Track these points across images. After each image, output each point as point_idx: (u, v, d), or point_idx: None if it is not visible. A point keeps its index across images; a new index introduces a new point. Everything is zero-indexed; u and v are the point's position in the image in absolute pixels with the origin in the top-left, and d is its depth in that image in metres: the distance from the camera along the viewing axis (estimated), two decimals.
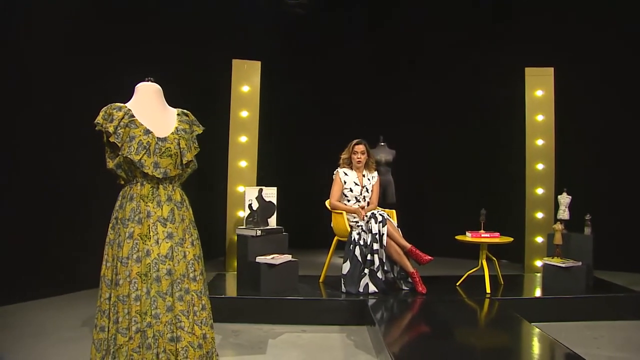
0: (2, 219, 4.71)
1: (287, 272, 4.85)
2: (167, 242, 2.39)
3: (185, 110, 2.63)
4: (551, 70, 6.43)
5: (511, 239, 5.10)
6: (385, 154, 6.97)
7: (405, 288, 4.90)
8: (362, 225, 4.87)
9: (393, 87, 7.91)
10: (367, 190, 5.15)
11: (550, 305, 4.68)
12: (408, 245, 4.79)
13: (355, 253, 4.78)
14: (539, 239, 6.31)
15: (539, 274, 5.64)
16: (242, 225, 5.28)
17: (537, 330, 3.70)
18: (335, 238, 5.25)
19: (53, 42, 5.09)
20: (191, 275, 2.45)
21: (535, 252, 6.30)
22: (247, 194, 5.29)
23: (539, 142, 6.45)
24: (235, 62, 6.52)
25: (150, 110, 2.49)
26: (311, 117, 8.21)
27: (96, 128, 2.39)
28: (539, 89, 6.47)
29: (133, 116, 2.40)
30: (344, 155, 5.21)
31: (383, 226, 4.72)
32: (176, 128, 2.51)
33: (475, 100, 7.53)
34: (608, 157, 6.82)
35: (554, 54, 6.70)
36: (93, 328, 2.41)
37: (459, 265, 5.83)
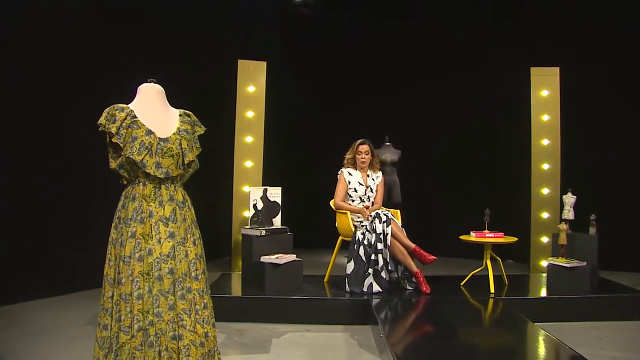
0: (4, 218, 4.74)
1: (291, 271, 4.87)
2: (169, 242, 2.41)
3: (187, 111, 2.65)
4: (557, 70, 6.44)
5: (515, 239, 5.09)
6: (390, 154, 6.98)
7: (409, 288, 4.91)
8: (366, 225, 4.89)
9: (398, 87, 7.91)
10: (371, 190, 5.17)
11: (554, 306, 4.68)
12: (412, 245, 4.80)
13: (360, 253, 4.79)
14: (545, 239, 6.32)
15: (544, 274, 5.63)
16: (248, 225, 5.30)
17: (540, 330, 3.70)
18: (340, 238, 5.26)
19: (54, 42, 5.12)
20: (193, 274, 2.47)
21: (541, 252, 6.30)
22: (251, 194, 5.32)
23: (545, 141, 6.45)
24: (241, 63, 6.56)
25: (153, 111, 2.51)
26: (315, 117, 8.24)
27: (99, 129, 2.42)
28: (545, 89, 6.47)
29: (135, 117, 2.43)
30: (348, 155, 5.22)
31: (387, 226, 4.73)
32: (178, 128, 2.53)
33: (479, 100, 7.53)
34: (613, 157, 6.79)
35: (558, 54, 6.69)
36: (96, 326, 2.43)
37: (464, 265, 5.84)
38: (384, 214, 4.81)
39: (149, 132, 2.42)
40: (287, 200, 5.54)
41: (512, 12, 7.35)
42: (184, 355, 2.37)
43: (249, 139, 6.52)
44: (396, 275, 4.88)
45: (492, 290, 4.80)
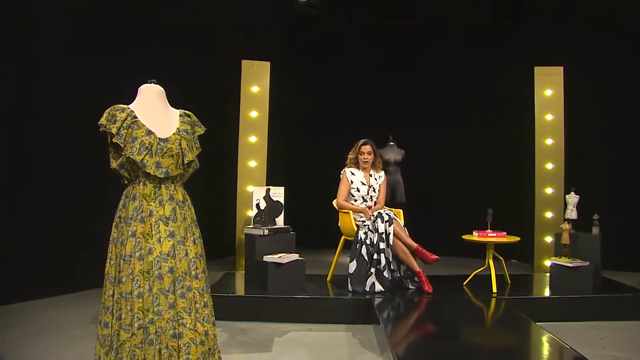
0: (5, 218, 4.77)
1: (294, 271, 4.89)
2: (169, 241, 2.43)
3: (187, 111, 2.67)
4: (560, 69, 6.43)
5: (518, 239, 5.09)
6: (394, 154, 6.99)
7: (412, 287, 4.92)
8: (368, 225, 4.90)
9: (401, 86, 7.92)
10: (374, 190, 5.18)
11: (556, 305, 4.68)
12: (414, 245, 4.81)
13: (362, 252, 4.81)
14: (548, 239, 6.30)
15: (548, 274, 5.63)
16: (251, 225, 5.33)
17: (541, 330, 3.70)
18: (343, 237, 5.28)
19: (55, 42, 5.14)
20: (193, 273, 2.49)
21: (545, 251, 6.29)
22: (254, 193, 5.34)
23: (549, 141, 6.44)
24: (245, 63, 6.59)
25: (153, 112, 2.53)
26: (318, 117, 8.26)
27: (100, 129, 2.44)
28: (549, 88, 6.47)
29: (136, 117, 2.45)
30: (350, 155, 5.24)
31: (389, 225, 4.75)
32: (178, 129, 2.55)
33: (482, 100, 7.53)
34: (617, 157, 6.78)
35: (560, 53, 6.68)
36: (97, 324, 2.46)
37: (467, 265, 5.84)
38: (387, 214, 4.82)
39: (149, 133, 2.44)
40: (290, 199, 5.56)
41: (513, 12, 7.35)
42: (184, 354, 2.40)
43: (252, 139, 6.55)
44: (398, 275, 4.89)
45: (494, 289, 4.81)
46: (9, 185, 4.79)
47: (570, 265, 4.83)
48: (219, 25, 7.12)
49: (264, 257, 4.82)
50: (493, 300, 4.66)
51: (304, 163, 8.07)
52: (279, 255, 4.87)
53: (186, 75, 6.51)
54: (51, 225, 5.07)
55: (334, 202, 5.28)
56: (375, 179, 5.22)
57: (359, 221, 5.05)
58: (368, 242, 4.81)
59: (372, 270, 4.75)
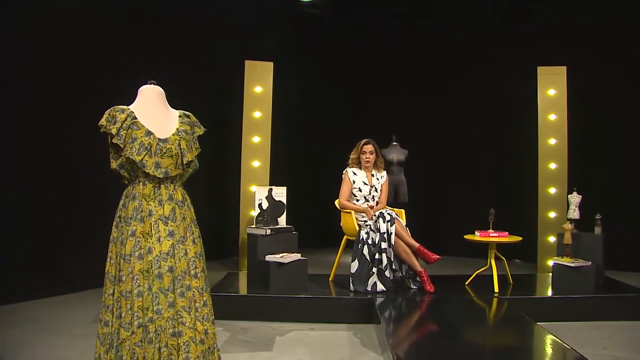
0: (9, 217, 4.80)
1: (296, 270, 4.90)
2: (168, 240, 2.46)
3: (186, 112, 2.70)
4: (564, 69, 6.42)
5: (520, 239, 5.09)
6: (397, 154, 6.99)
7: (414, 287, 4.93)
8: (370, 225, 4.92)
9: (404, 86, 7.94)
10: (375, 190, 5.19)
11: (558, 305, 4.68)
12: (416, 245, 4.82)
13: (364, 252, 4.82)
14: (552, 239, 6.30)
15: (551, 274, 5.64)
16: (253, 225, 5.35)
17: (542, 330, 3.70)
18: (345, 237, 5.29)
19: (56, 42, 5.17)
20: (192, 272, 2.52)
21: (548, 251, 6.29)
22: (257, 193, 5.37)
23: (552, 141, 6.44)
24: (248, 63, 6.62)
25: (153, 112, 2.56)
26: (321, 117, 8.25)
27: (100, 130, 2.48)
28: (552, 88, 6.46)
29: (135, 118, 2.48)
30: (352, 155, 5.25)
31: (391, 225, 4.76)
32: (177, 129, 2.58)
33: (485, 100, 7.54)
34: (620, 156, 6.78)
35: (564, 52, 6.66)
36: (98, 323, 2.49)
37: (469, 265, 5.85)
38: (388, 214, 4.84)
39: (149, 133, 2.47)
40: (292, 199, 5.58)
41: (516, 12, 7.34)
42: (184, 352, 2.42)
43: (256, 139, 6.58)
44: (400, 275, 4.90)
45: (496, 289, 4.82)
46: (9, 185, 4.81)
47: (573, 265, 4.83)
48: (222, 25, 7.15)
49: (266, 256, 4.85)
50: (495, 300, 4.67)
51: (306, 163, 8.07)
52: (281, 254, 4.89)
53: (190, 76, 6.55)
54: (51, 225, 5.09)
55: (336, 202, 5.30)
56: (377, 178, 5.24)
57: (361, 221, 5.07)
58: (370, 241, 4.82)
59: (374, 270, 4.77)
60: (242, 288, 5.15)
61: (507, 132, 7.42)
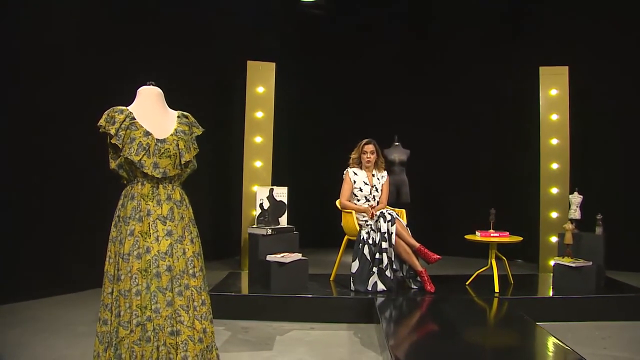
0: (13, 217, 4.82)
1: (297, 270, 4.91)
2: (166, 240, 2.48)
3: (185, 113, 2.72)
4: (566, 69, 6.42)
5: (520, 239, 5.09)
6: (399, 154, 7.00)
7: (414, 287, 4.94)
8: (371, 224, 4.92)
9: (407, 86, 7.95)
10: (376, 190, 5.20)
11: (558, 305, 4.67)
12: (417, 244, 4.83)
13: (364, 252, 4.83)
14: (554, 239, 6.29)
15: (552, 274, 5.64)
16: (254, 225, 5.36)
17: (541, 329, 3.71)
18: (346, 237, 5.30)
19: (57, 42, 5.17)
20: (190, 271, 2.54)
21: (550, 251, 6.28)
22: (258, 193, 5.39)
23: (554, 141, 6.43)
24: (250, 64, 6.64)
25: (151, 113, 2.58)
26: (323, 117, 8.26)
27: (99, 130, 2.49)
28: (554, 88, 6.46)
29: (134, 119, 2.50)
30: (353, 155, 5.26)
31: (392, 225, 4.77)
32: (175, 130, 2.60)
33: (487, 100, 7.54)
34: (621, 157, 6.78)
35: (566, 52, 6.66)
36: (97, 321, 2.50)
37: (471, 265, 5.85)
38: (389, 213, 4.84)
39: (147, 134, 2.49)
40: (294, 199, 5.59)
41: (518, 12, 7.34)
42: (182, 351, 2.44)
43: (258, 139, 6.60)
44: (401, 274, 4.91)
45: (496, 289, 4.82)
46: (9, 185, 4.83)
47: (573, 265, 4.82)
48: (223, 25, 7.16)
49: (267, 256, 4.86)
50: (495, 300, 4.67)
51: (307, 163, 8.07)
52: (281, 254, 4.90)
53: (192, 76, 6.57)
54: (51, 225, 5.10)
55: (337, 202, 5.30)
56: (378, 178, 5.24)
57: (362, 221, 5.08)
58: (370, 241, 4.83)
59: (375, 269, 4.78)
60: (243, 288, 5.16)
61: (507, 131, 7.43)
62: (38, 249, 4.97)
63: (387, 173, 5.40)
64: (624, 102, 6.68)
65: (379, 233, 4.78)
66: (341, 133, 7.26)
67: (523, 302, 4.62)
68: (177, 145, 2.55)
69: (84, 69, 5.25)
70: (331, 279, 5.32)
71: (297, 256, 4.96)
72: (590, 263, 4.87)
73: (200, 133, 2.72)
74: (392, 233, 4.75)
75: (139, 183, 2.51)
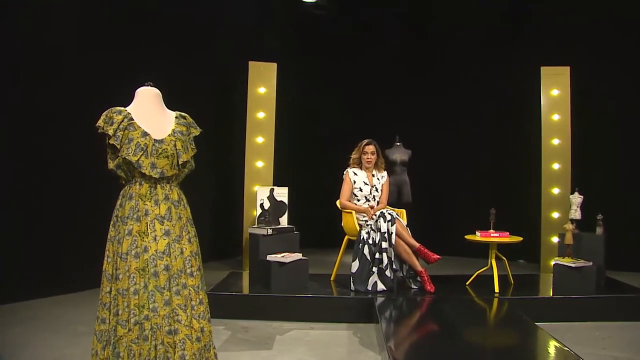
0: (13, 217, 4.83)
1: (297, 270, 4.92)
2: (164, 239, 2.49)
3: (183, 113, 2.74)
4: (567, 69, 6.41)
5: (520, 239, 5.09)
6: (400, 154, 7.00)
7: (414, 287, 4.94)
8: (371, 225, 4.93)
9: (408, 87, 7.94)
10: (376, 190, 5.20)
11: (558, 306, 4.67)
12: (416, 244, 4.83)
13: (364, 252, 4.84)
14: (555, 239, 6.27)
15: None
16: (255, 225, 5.37)
17: (539, 330, 3.71)
18: (346, 237, 5.31)
19: (57, 42, 5.18)
20: (188, 270, 2.55)
21: (551, 252, 6.25)
22: (258, 193, 5.39)
23: (555, 141, 6.42)
24: (252, 64, 6.65)
25: (149, 114, 2.61)
26: (324, 117, 8.26)
27: (98, 131, 2.51)
28: (555, 88, 6.45)
29: (132, 119, 2.53)
30: (353, 155, 5.27)
31: (392, 225, 4.77)
32: (173, 130, 2.62)
33: (489, 100, 7.54)
34: (622, 157, 6.77)
35: (568, 52, 6.65)
36: (95, 320, 2.52)
37: (470, 265, 5.86)
38: (389, 213, 4.85)
39: (145, 134, 2.51)
40: (294, 199, 5.60)
41: (520, 12, 7.33)
42: (180, 349, 2.45)
43: (259, 139, 6.60)
44: (401, 274, 4.92)
45: (496, 289, 4.82)
46: (9, 185, 4.84)
47: (573, 265, 4.81)
48: (225, 26, 7.17)
49: (267, 256, 4.87)
50: (495, 300, 4.67)
51: (307, 163, 8.07)
52: (282, 254, 4.91)
53: (192, 76, 6.57)
54: (51, 225, 5.10)
55: (338, 203, 5.31)
56: (378, 179, 5.25)
57: (362, 221, 5.08)
58: (370, 241, 4.83)
59: (374, 269, 4.78)
60: (244, 287, 5.17)
61: (507, 132, 7.42)
62: (38, 249, 4.98)
63: (388, 173, 5.42)
64: (624, 102, 6.67)
65: (379, 233, 4.79)
66: (340, 133, 7.27)
67: (523, 302, 4.62)
68: (175, 145, 2.57)
69: (84, 69, 5.26)
70: (332, 278, 5.33)
71: (298, 256, 4.97)
72: (591, 263, 4.86)
73: (197, 133, 2.74)
74: (392, 233, 4.76)
75: (137, 183, 2.53)
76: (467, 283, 5.14)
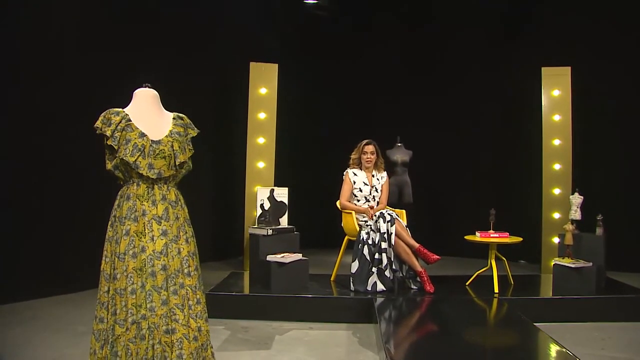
0: (13, 217, 4.83)
1: (297, 270, 4.92)
2: (161, 239, 2.50)
3: (180, 114, 2.75)
4: (568, 69, 6.40)
5: (520, 239, 5.09)
6: (401, 155, 6.99)
7: (414, 287, 4.94)
8: (370, 225, 4.93)
9: (409, 87, 7.94)
10: (376, 190, 5.20)
11: (558, 306, 4.66)
12: (416, 245, 4.83)
13: (364, 252, 4.84)
14: (556, 240, 6.26)
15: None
16: (255, 225, 5.37)
17: (538, 330, 3.71)
18: (346, 237, 5.31)
19: (57, 42, 5.19)
20: (186, 270, 2.56)
21: (552, 252, 6.23)
22: (258, 194, 5.40)
23: (556, 142, 6.42)
24: (253, 65, 6.65)
25: (147, 115, 2.62)
26: (320, 117, 8.26)
27: (96, 132, 2.52)
28: (556, 89, 6.44)
29: (130, 120, 2.54)
30: (353, 156, 5.27)
31: (391, 225, 4.77)
32: (170, 131, 2.63)
33: (489, 101, 7.53)
34: (622, 158, 6.76)
35: (568, 53, 6.64)
36: (93, 319, 2.52)
37: (470, 265, 5.86)
38: (389, 214, 4.85)
39: (142, 135, 2.52)
40: (294, 200, 5.60)
41: (521, 13, 7.32)
42: (177, 349, 2.46)
43: (261, 140, 6.61)
44: (401, 275, 4.92)
45: (496, 290, 4.81)
46: (9, 185, 4.84)
47: (573, 266, 4.81)
48: (225, 26, 7.17)
49: (267, 256, 4.87)
50: (494, 301, 4.67)
51: (308, 164, 8.06)
52: (282, 255, 4.91)
53: (192, 77, 6.58)
54: (51, 225, 5.11)
55: (338, 203, 5.31)
56: (378, 179, 5.25)
57: (362, 221, 5.08)
58: (370, 242, 4.84)
59: (374, 270, 4.78)
60: (244, 287, 5.18)
61: (507, 132, 7.42)
62: (38, 249, 4.99)
63: (389, 174, 5.42)
64: (624, 102, 6.66)
65: (378, 233, 4.79)
66: (341, 133, 7.27)
67: (522, 303, 4.62)
68: (172, 146, 2.58)
69: (84, 69, 5.26)
70: (332, 279, 5.33)
71: (298, 256, 4.97)
72: (591, 264, 4.85)
73: (195, 134, 2.75)
74: (391, 233, 4.76)
75: (135, 184, 2.54)
76: (466, 283, 5.14)
